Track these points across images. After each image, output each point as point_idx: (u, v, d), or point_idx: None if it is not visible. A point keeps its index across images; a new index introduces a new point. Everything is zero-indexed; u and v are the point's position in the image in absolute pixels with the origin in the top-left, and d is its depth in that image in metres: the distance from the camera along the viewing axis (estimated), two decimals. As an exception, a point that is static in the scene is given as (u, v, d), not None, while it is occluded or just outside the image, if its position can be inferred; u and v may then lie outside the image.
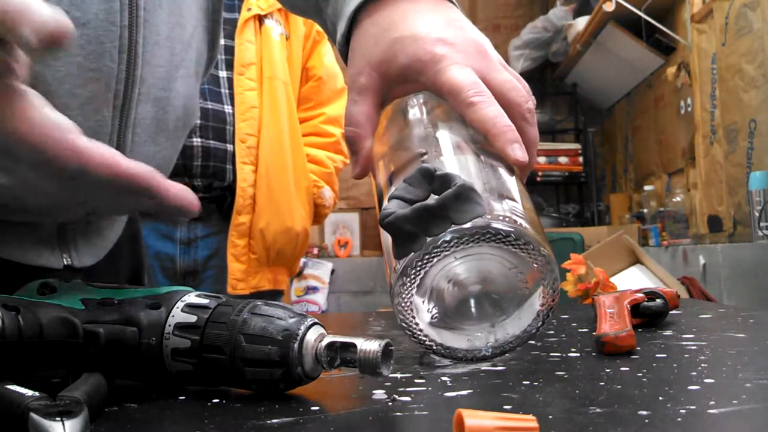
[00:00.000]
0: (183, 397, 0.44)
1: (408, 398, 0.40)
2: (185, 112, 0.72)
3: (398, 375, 0.47)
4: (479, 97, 0.52)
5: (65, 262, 0.70)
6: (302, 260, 4.07)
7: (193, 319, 0.44)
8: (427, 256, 0.45)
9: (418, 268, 0.46)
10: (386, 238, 0.52)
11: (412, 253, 0.45)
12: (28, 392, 0.35)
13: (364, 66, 0.58)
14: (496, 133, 0.51)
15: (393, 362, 0.42)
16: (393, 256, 0.47)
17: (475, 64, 0.54)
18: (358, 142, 0.58)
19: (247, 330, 0.42)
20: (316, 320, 0.43)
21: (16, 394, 0.35)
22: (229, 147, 1.70)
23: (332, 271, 4.46)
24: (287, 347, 0.41)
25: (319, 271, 4.39)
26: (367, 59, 0.57)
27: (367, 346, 0.41)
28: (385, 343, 0.41)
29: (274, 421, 0.37)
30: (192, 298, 0.45)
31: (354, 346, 0.41)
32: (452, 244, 0.45)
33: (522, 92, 0.54)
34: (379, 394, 0.41)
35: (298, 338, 0.41)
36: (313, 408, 0.39)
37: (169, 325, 0.44)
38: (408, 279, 0.46)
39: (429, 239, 0.45)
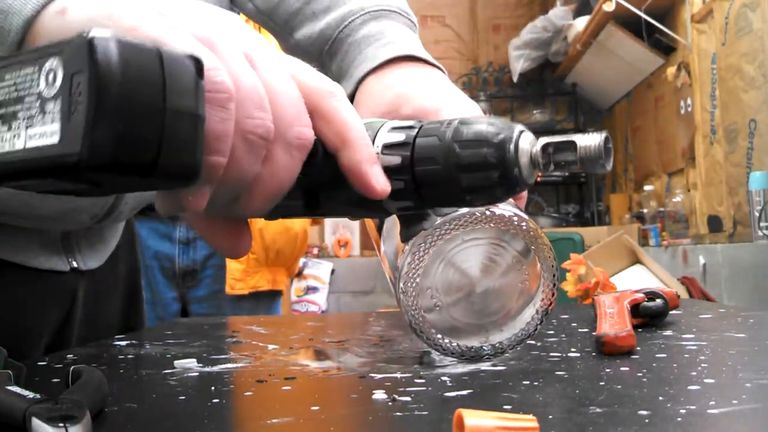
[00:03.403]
0: (183, 397, 0.44)
1: (408, 398, 0.40)
2: None
3: (398, 375, 0.47)
4: None
5: (71, 266, 0.73)
6: (302, 260, 4.07)
7: (401, 137, 0.41)
8: (438, 231, 0.47)
9: (429, 245, 0.47)
10: (390, 226, 0.53)
11: (423, 231, 0.47)
12: (30, 395, 0.35)
13: (369, 116, 0.61)
14: None
15: (611, 158, 0.41)
16: (401, 240, 0.49)
17: None
18: None
19: (459, 137, 0.40)
20: (525, 128, 0.42)
21: (17, 397, 0.35)
22: (229, 147, 1.70)
23: (332, 271, 4.45)
24: (503, 149, 0.39)
25: (319, 271, 4.38)
26: (371, 110, 0.61)
27: (588, 141, 0.39)
28: (605, 135, 0.40)
29: (274, 420, 0.37)
30: (394, 123, 0.43)
31: (572, 144, 0.40)
32: (462, 222, 0.47)
33: None
34: (379, 394, 0.41)
35: (513, 140, 0.39)
36: (313, 408, 0.39)
37: (377, 146, 0.41)
38: (417, 257, 0.47)
39: (439, 218, 0.47)
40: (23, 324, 0.69)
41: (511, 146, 0.39)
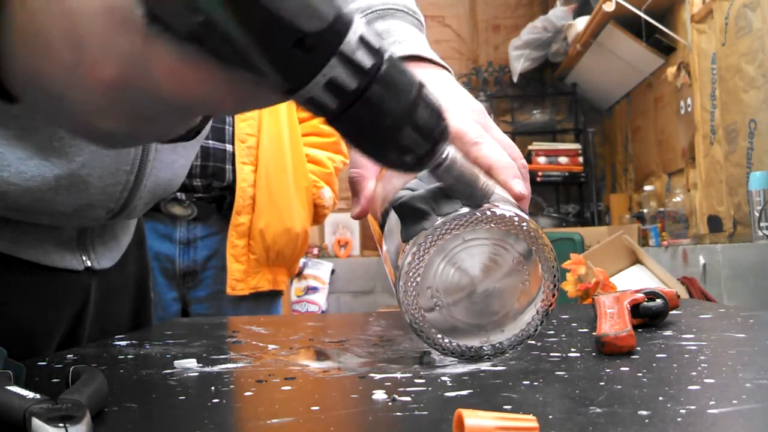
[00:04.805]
0: (183, 397, 0.44)
1: (408, 398, 0.40)
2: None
3: (398, 375, 0.47)
4: (484, 138, 0.57)
5: (85, 265, 0.73)
6: (302, 260, 4.07)
7: (377, 42, 0.37)
8: (438, 231, 0.46)
9: (429, 244, 0.47)
10: (391, 225, 0.53)
11: (423, 230, 0.47)
12: (30, 395, 0.35)
13: None
14: (500, 167, 0.55)
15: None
16: (402, 240, 0.48)
17: (476, 118, 0.60)
18: (361, 182, 0.61)
19: (426, 98, 0.39)
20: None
21: (17, 397, 0.35)
22: (228, 147, 1.70)
23: (332, 271, 4.46)
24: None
25: (319, 271, 4.39)
26: None
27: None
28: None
29: (274, 421, 0.37)
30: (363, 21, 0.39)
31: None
32: (463, 222, 0.47)
33: (517, 150, 0.60)
34: (379, 394, 0.41)
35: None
36: (313, 408, 0.39)
37: (354, 31, 0.36)
38: (418, 256, 0.47)
39: (440, 218, 0.47)
40: (37, 323, 0.69)
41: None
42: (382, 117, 0.37)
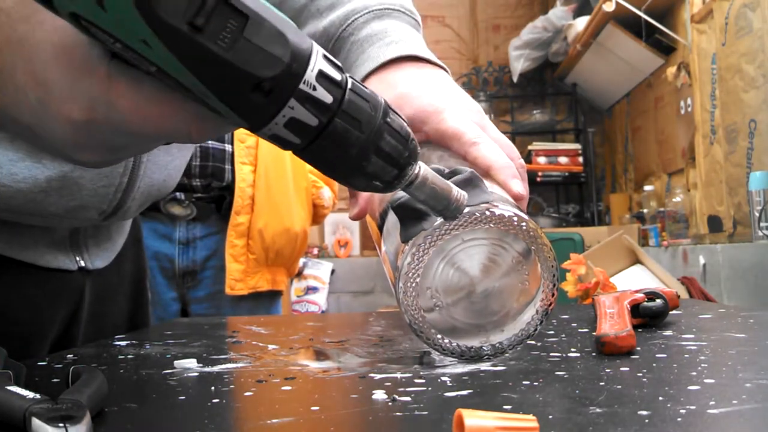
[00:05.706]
0: (183, 398, 0.44)
1: (408, 398, 0.40)
2: None
3: (398, 375, 0.47)
4: (482, 138, 0.57)
5: (78, 265, 0.73)
6: (302, 260, 4.07)
7: (337, 75, 0.37)
8: (437, 231, 0.47)
9: (428, 245, 0.47)
10: (390, 226, 0.53)
11: (422, 231, 0.47)
12: (30, 395, 0.35)
13: None
14: (499, 168, 0.55)
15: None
16: (401, 240, 0.48)
17: (474, 119, 0.60)
18: None
19: (391, 122, 0.39)
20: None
21: (17, 397, 0.35)
22: (228, 147, 1.70)
23: (332, 271, 4.46)
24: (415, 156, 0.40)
25: (319, 271, 4.39)
26: None
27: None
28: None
29: (274, 421, 0.37)
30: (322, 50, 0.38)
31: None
32: (462, 222, 0.47)
33: (515, 149, 0.60)
34: (379, 394, 0.41)
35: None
36: (313, 408, 0.39)
37: (312, 67, 0.36)
38: (417, 257, 0.47)
39: (439, 218, 0.47)
40: (31, 323, 0.69)
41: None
42: (346, 148, 0.38)
